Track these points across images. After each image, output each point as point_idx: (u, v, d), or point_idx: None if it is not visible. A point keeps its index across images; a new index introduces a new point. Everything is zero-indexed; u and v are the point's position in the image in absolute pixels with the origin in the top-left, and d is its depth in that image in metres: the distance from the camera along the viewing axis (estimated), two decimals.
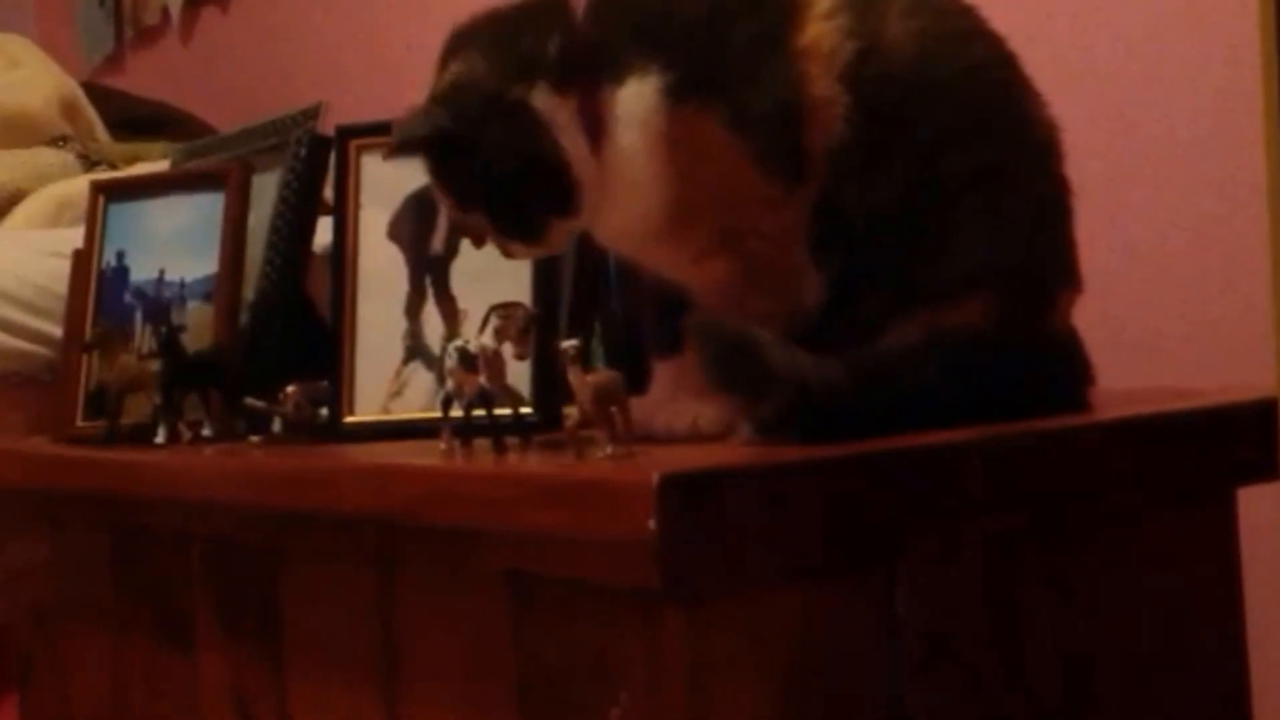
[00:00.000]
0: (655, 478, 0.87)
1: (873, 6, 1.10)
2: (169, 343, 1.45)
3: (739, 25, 1.08)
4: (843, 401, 1.02)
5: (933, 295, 1.06)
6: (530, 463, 1.09)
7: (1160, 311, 1.56)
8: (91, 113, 2.66)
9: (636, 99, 1.08)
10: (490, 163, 1.10)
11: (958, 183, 1.07)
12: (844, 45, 1.07)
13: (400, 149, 1.14)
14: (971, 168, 1.07)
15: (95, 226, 1.63)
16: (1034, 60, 1.14)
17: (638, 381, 1.19)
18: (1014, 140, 1.11)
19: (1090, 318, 1.18)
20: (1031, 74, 1.15)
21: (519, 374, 1.33)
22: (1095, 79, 1.61)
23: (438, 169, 1.15)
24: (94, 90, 2.82)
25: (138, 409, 1.50)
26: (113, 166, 2.36)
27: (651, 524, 0.87)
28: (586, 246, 1.47)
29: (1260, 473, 1.13)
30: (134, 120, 2.77)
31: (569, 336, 1.16)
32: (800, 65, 1.07)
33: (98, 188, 1.67)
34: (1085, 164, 1.16)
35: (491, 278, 1.38)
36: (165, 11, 3.18)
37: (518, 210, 1.13)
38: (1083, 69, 1.62)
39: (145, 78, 3.21)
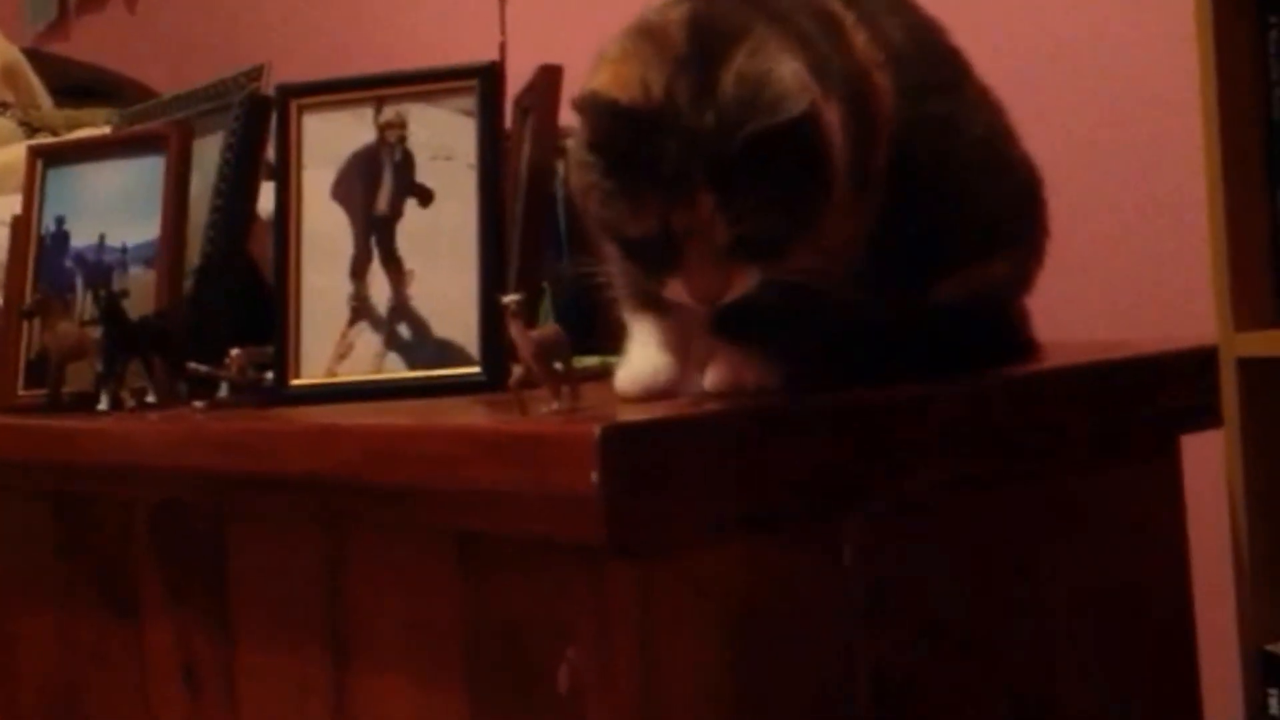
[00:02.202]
0: (596, 430, 0.87)
1: (869, 11, 1.11)
2: (110, 309, 1.43)
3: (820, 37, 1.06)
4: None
5: (970, 256, 1.14)
6: (474, 419, 1.08)
7: (1107, 271, 1.56)
8: (34, 79, 2.62)
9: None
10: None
11: (973, 159, 1.13)
12: (879, 54, 1.09)
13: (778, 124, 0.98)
14: (980, 145, 1.15)
15: (34, 192, 1.60)
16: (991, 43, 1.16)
17: (588, 340, 1.19)
18: (997, 124, 1.18)
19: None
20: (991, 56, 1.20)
21: (468, 333, 1.33)
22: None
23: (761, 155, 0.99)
24: (37, 57, 2.78)
25: (81, 377, 1.48)
26: (55, 133, 2.32)
27: (594, 477, 0.87)
28: (534, 206, 1.47)
29: (1203, 420, 1.14)
30: (77, 87, 2.74)
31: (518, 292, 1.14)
32: (871, 79, 1.07)
33: (36, 153, 1.64)
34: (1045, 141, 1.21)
35: (437, 238, 1.37)
36: None
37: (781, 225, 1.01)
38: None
39: (90, 44, 3.17)
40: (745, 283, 1.00)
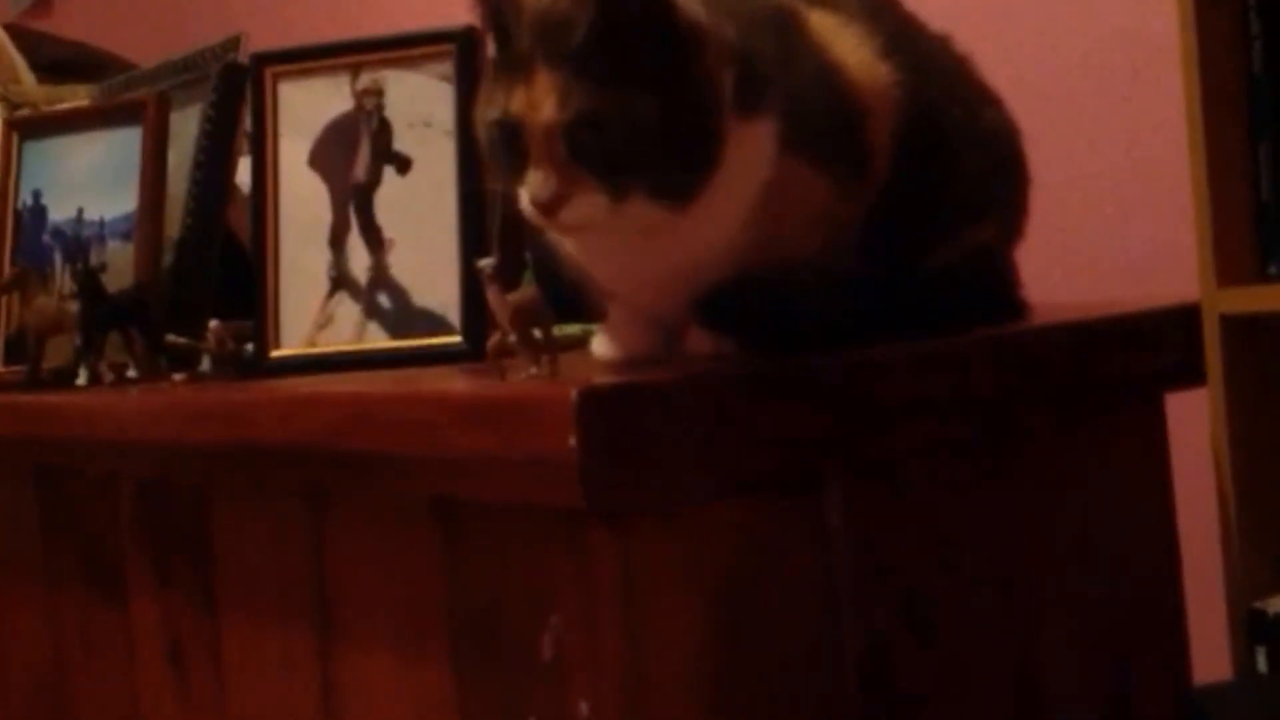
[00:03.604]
0: (574, 393, 0.86)
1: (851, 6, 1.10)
2: (88, 283, 1.42)
3: (793, 50, 1.03)
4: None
5: (961, 221, 1.13)
6: (452, 385, 1.07)
7: (1089, 230, 1.56)
8: (15, 55, 2.60)
9: (759, 140, 0.99)
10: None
11: (959, 127, 1.12)
12: (868, 39, 1.07)
13: None
14: (962, 110, 1.13)
15: (10, 165, 1.59)
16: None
17: (571, 308, 1.17)
18: (979, 93, 1.17)
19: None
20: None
21: (449, 302, 1.32)
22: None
23: None
24: (18, 33, 2.76)
25: (60, 352, 1.47)
26: (36, 109, 2.30)
27: (572, 441, 0.86)
28: None
29: (1187, 377, 1.13)
30: (60, 63, 2.71)
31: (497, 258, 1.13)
32: (846, 75, 1.04)
33: (11, 125, 1.63)
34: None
35: (416, 205, 1.36)
36: None
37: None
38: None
39: (73, 21, 3.15)
40: (589, 201, 0.95)
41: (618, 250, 1.01)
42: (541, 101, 0.94)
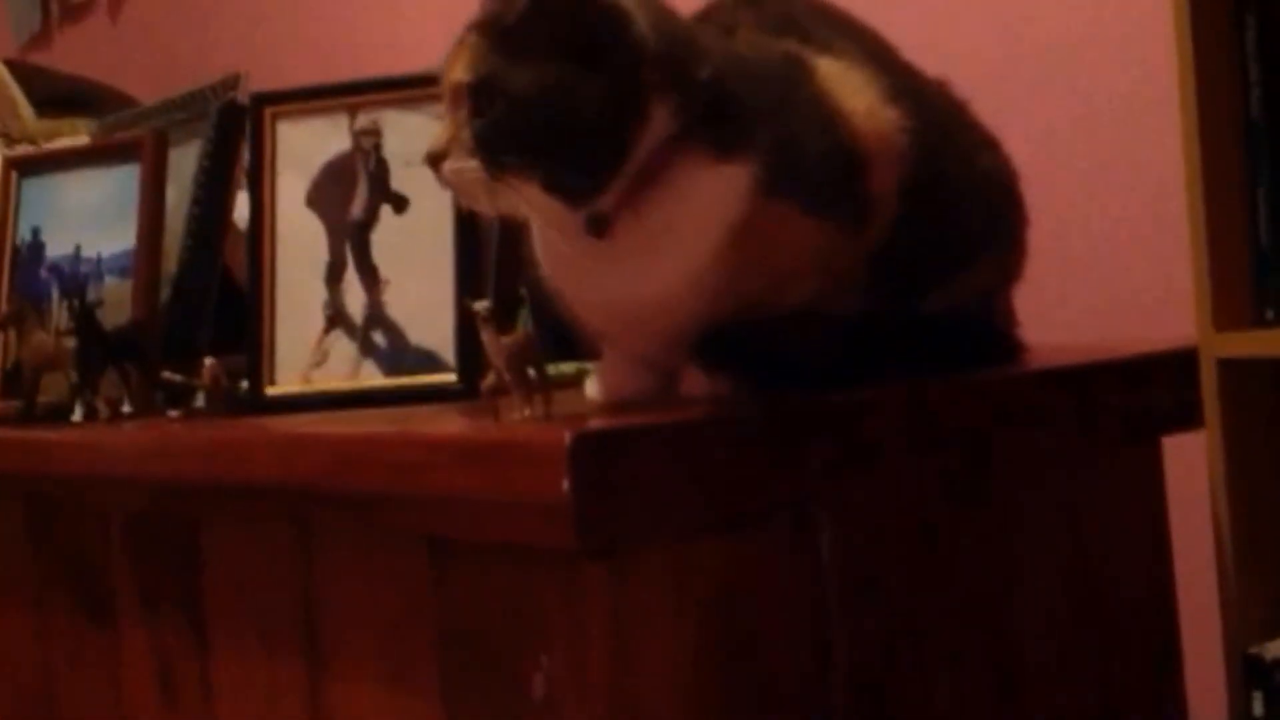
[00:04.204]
0: (568, 437, 0.86)
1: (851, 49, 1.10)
2: (84, 319, 1.42)
3: (796, 99, 1.04)
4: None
5: (960, 264, 1.14)
6: (445, 426, 1.07)
7: (1087, 272, 1.56)
8: (15, 90, 2.61)
9: (730, 183, 0.99)
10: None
11: (958, 172, 1.12)
12: (873, 85, 1.07)
13: None
14: (966, 158, 1.15)
15: (8, 202, 1.59)
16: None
17: (565, 347, 1.18)
18: (978, 136, 1.18)
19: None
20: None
21: (444, 341, 1.32)
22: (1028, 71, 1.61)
23: None
24: (18, 67, 2.77)
25: (56, 387, 1.47)
26: (35, 144, 2.31)
27: (565, 484, 0.86)
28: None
29: (1184, 421, 1.13)
30: (59, 97, 2.72)
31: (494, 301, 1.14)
32: (850, 123, 1.04)
33: (10, 163, 1.64)
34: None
35: (413, 244, 1.36)
36: None
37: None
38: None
39: (74, 55, 3.16)
40: (469, 164, 0.97)
41: (586, 280, 1.03)
42: (457, 63, 0.99)
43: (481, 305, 1.01)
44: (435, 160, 1.00)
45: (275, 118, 1.41)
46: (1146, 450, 1.18)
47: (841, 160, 1.03)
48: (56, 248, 1.59)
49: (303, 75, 1.77)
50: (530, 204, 0.98)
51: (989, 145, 1.19)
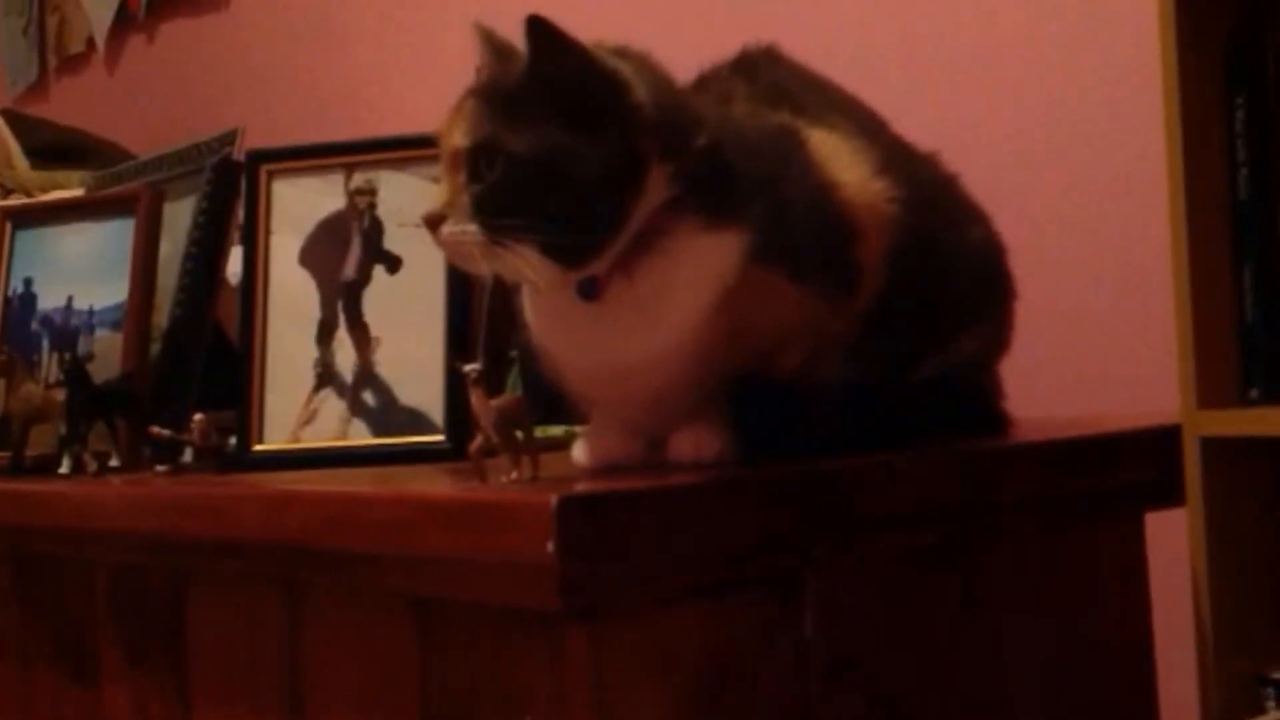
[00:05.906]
0: (553, 500, 0.86)
1: (842, 123, 1.11)
2: (74, 372, 1.42)
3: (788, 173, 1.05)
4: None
5: (947, 335, 1.15)
6: (432, 486, 1.08)
7: (1073, 348, 1.57)
8: (10, 140, 2.62)
9: (722, 249, 1.00)
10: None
11: (947, 244, 1.14)
12: (864, 157, 1.08)
13: None
14: (955, 230, 1.16)
15: (1, 252, 1.60)
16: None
17: (553, 410, 1.18)
18: (968, 210, 1.20)
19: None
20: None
21: (433, 401, 1.33)
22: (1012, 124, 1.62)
23: None
24: (15, 118, 2.78)
25: (45, 440, 1.47)
26: (29, 195, 2.32)
27: (550, 546, 0.86)
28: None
29: (1166, 497, 1.13)
30: (55, 148, 2.73)
31: (482, 361, 1.14)
32: (841, 194, 1.06)
33: (4, 214, 1.64)
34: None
35: (405, 304, 1.37)
36: (90, 40, 3.16)
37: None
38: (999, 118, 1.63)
39: (70, 106, 3.18)
40: (467, 229, 0.98)
41: (576, 342, 1.03)
42: (455, 128, 1.00)
43: (471, 367, 1.01)
44: (433, 223, 1.00)
45: (271, 175, 1.42)
46: (1128, 524, 1.19)
47: (831, 230, 1.04)
48: (49, 299, 1.59)
49: (299, 133, 1.78)
50: (526, 267, 0.98)
51: (978, 218, 1.20)
